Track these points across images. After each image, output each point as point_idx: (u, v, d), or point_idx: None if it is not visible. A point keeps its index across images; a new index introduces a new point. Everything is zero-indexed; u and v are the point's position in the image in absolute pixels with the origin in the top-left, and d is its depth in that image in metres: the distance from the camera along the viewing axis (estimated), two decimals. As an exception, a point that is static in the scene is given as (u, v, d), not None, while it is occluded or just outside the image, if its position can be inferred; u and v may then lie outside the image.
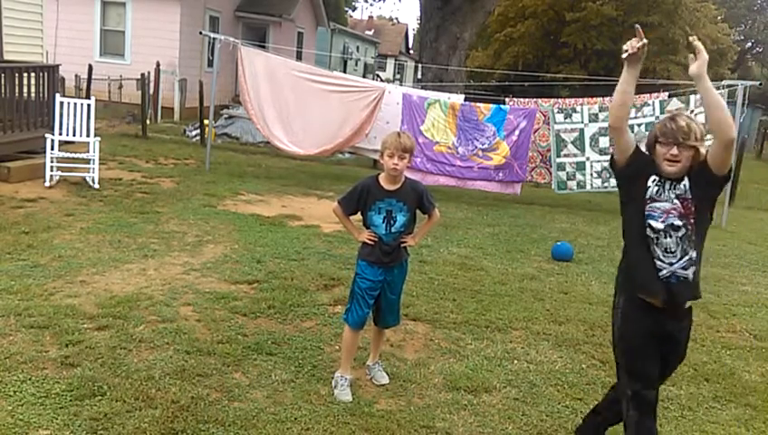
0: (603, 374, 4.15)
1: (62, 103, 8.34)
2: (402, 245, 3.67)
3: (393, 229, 3.61)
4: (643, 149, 2.87)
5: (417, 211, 3.70)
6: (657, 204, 2.77)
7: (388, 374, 3.86)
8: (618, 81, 2.85)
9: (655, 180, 2.78)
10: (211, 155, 10.70)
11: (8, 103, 8.19)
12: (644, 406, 2.79)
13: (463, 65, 15.55)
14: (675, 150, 2.71)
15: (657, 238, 2.76)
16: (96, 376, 3.48)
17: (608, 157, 9.80)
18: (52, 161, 7.96)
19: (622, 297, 2.91)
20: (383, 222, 3.62)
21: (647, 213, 2.78)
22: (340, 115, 10.11)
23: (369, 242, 3.63)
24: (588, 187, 10.08)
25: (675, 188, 2.76)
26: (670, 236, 2.74)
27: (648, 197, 2.78)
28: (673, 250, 2.75)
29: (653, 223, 2.76)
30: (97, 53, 17.28)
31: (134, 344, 3.91)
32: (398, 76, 44.13)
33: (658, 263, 2.75)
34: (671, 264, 2.75)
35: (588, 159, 9.95)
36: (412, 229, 3.73)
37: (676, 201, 2.75)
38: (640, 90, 12.93)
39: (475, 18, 15.38)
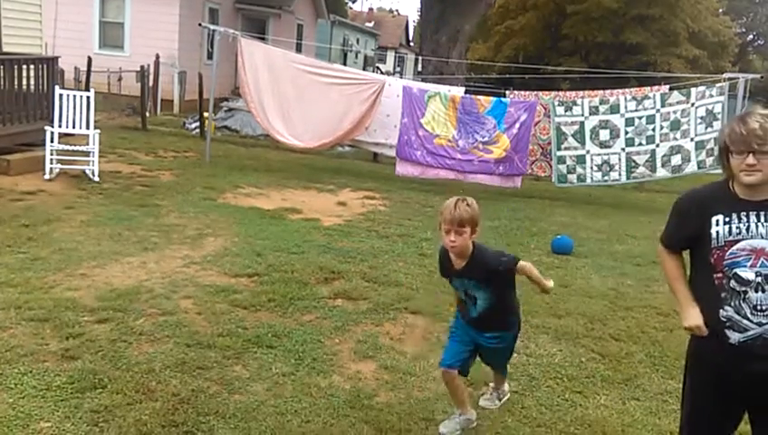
0: (602, 368, 4.16)
1: (61, 96, 8.32)
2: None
3: (479, 309, 3.09)
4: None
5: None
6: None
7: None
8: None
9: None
10: (211, 148, 10.68)
11: (7, 96, 8.17)
12: None
13: (463, 58, 15.53)
14: (751, 159, 2.20)
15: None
16: (96, 369, 3.49)
17: (608, 150, 9.87)
18: (51, 154, 7.95)
19: None
20: (466, 298, 3.12)
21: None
22: (340, 108, 10.09)
23: None
24: (588, 180, 10.07)
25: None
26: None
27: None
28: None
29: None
30: (96, 45, 17.20)
31: (134, 337, 3.92)
32: (398, 69, 44.05)
33: None
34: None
35: (588, 152, 9.93)
36: (509, 301, 3.17)
37: None
38: (641, 83, 12.97)
39: (476, 10, 15.35)
